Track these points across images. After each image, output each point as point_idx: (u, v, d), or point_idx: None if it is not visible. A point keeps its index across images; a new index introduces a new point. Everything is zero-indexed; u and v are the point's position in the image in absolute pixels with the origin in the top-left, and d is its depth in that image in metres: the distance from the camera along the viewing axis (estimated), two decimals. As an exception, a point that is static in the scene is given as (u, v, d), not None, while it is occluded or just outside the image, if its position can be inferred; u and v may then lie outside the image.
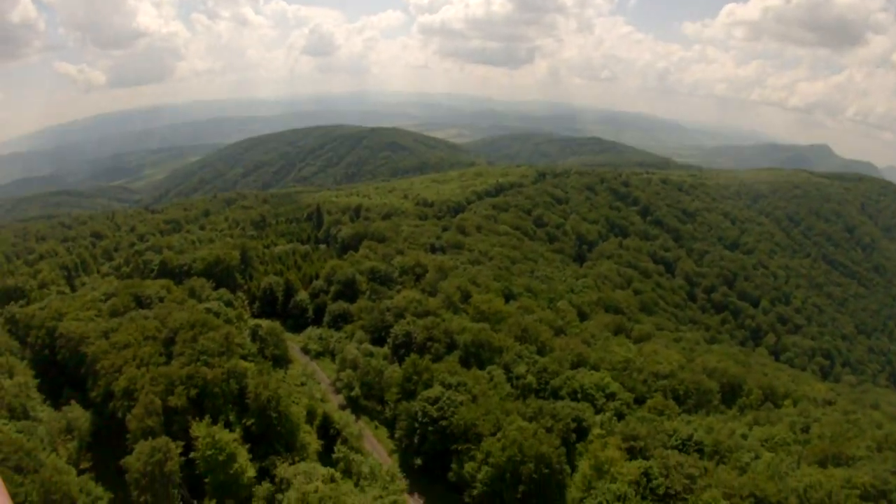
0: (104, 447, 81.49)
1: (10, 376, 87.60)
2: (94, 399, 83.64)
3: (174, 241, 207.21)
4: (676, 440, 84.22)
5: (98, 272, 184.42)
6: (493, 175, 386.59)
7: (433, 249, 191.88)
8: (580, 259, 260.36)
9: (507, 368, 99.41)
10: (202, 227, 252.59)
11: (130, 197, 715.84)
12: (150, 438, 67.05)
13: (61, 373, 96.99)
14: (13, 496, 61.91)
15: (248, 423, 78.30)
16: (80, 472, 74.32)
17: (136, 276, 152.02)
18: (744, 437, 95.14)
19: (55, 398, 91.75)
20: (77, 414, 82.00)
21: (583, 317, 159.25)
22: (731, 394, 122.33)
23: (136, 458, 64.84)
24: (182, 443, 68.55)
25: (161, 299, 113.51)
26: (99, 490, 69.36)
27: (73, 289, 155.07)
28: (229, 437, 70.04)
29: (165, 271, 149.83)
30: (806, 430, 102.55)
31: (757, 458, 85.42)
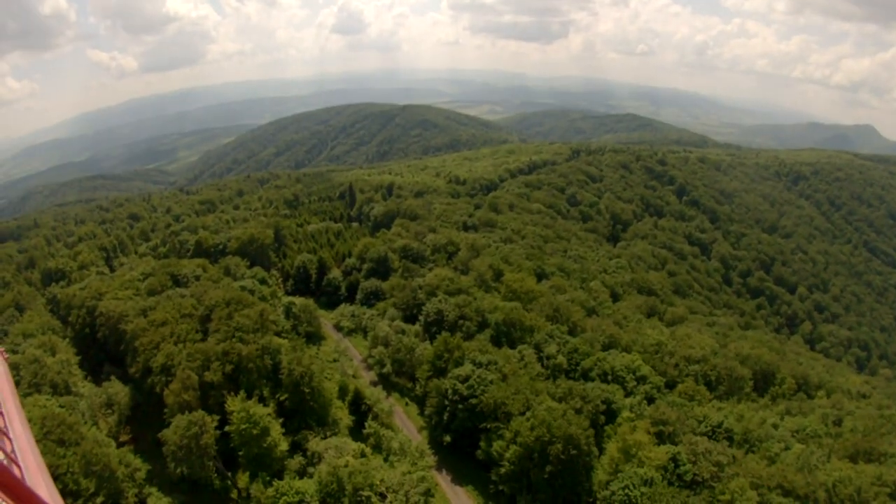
0: (143, 421, 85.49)
1: (53, 354, 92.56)
2: (133, 375, 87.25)
3: (209, 221, 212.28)
4: (706, 427, 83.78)
5: (136, 252, 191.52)
6: (527, 153, 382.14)
7: (465, 227, 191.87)
8: (614, 239, 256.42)
9: (537, 348, 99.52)
10: (236, 207, 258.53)
11: (165, 179, 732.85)
12: (186, 412, 69.80)
13: (101, 350, 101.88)
14: (55, 468, 65.34)
15: (282, 398, 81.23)
16: (120, 445, 78.86)
17: (172, 255, 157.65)
18: (774, 426, 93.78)
19: (96, 374, 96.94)
20: (117, 389, 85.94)
21: (615, 298, 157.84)
22: (763, 382, 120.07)
23: (174, 432, 67.65)
24: (217, 417, 71.38)
25: (197, 278, 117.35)
26: (137, 462, 73.50)
27: (112, 269, 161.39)
28: (263, 412, 72.56)
29: (201, 251, 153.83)
30: (838, 423, 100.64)
31: (787, 448, 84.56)
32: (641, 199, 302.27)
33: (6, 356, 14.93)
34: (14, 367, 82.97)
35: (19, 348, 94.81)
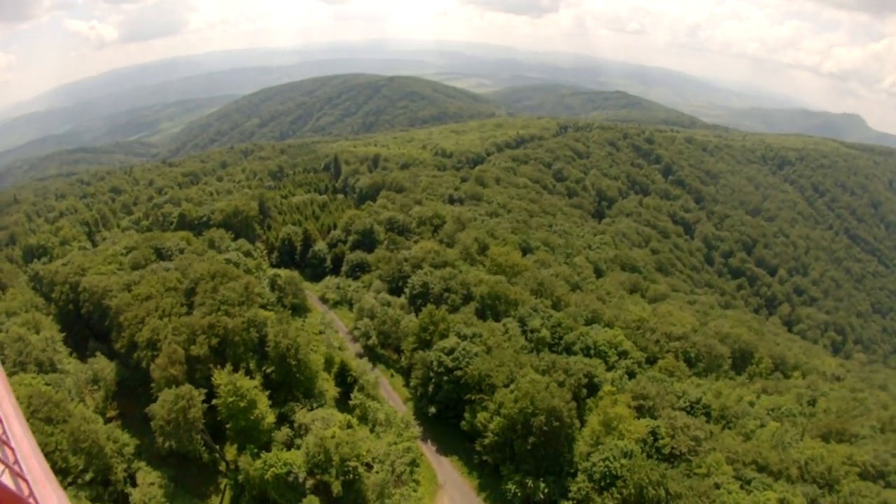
0: (129, 396, 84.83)
1: (37, 331, 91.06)
2: (118, 350, 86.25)
3: (192, 193, 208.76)
4: (685, 402, 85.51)
5: (118, 227, 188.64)
6: (514, 127, 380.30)
7: (451, 200, 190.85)
8: (599, 215, 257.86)
9: (522, 321, 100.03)
10: (220, 179, 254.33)
11: (147, 151, 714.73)
12: (173, 387, 69.07)
13: (86, 326, 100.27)
14: (44, 446, 64.69)
15: (268, 370, 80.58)
16: (107, 421, 78.28)
17: (155, 228, 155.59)
18: (751, 404, 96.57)
19: (81, 351, 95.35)
20: (103, 365, 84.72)
21: (599, 273, 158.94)
22: (741, 360, 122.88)
23: (161, 406, 66.86)
24: (204, 390, 70.60)
25: (181, 251, 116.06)
26: (125, 437, 72.70)
27: (95, 244, 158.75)
28: (250, 385, 72.01)
29: (184, 223, 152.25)
30: (812, 403, 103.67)
31: (762, 426, 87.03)
32: (627, 176, 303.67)
33: None
34: None
35: (2, 327, 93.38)
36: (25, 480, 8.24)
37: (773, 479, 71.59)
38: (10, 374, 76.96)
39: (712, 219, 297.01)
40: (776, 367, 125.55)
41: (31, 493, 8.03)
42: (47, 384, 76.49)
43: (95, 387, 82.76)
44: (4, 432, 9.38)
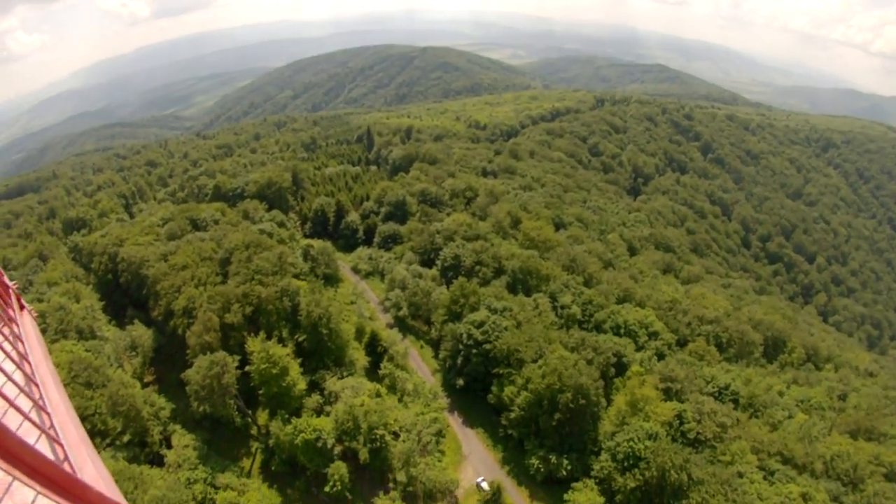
0: (166, 362, 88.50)
1: (77, 300, 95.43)
2: (155, 318, 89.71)
3: (226, 165, 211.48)
4: (713, 387, 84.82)
5: (154, 199, 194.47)
6: (549, 99, 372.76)
7: (485, 173, 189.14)
8: (634, 192, 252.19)
9: (552, 297, 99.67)
10: (253, 151, 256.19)
11: (182, 125, 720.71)
12: (208, 353, 71.87)
13: (124, 295, 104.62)
14: (84, 409, 68.53)
15: (300, 338, 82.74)
16: (144, 386, 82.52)
17: (190, 200, 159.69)
18: (780, 394, 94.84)
19: (119, 318, 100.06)
20: (140, 332, 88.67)
21: (632, 252, 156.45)
22: (773, 349, 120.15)
23: (196, 372, 69.80)
24: (238, 357, 73.28)
25: (216, 222, 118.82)
26: (161, 401, 76.71)
27: (132, 216, 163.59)
28: (282, 352, 74.33)
29: (219, 195, 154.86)
30: (843, 397, 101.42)
31: (790, 417, 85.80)
32: (665, 153, 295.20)
33: (35, 314, 13.95)
34: (41, 316, 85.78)
35: (44, 297, 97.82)
36: (61, 445, 8.31)
37: (796, 473, 71.14)
38: (51, 342, 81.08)
39: (751, 200, 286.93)
40: (808, 357, 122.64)
41: (67, 458, 8.11)
42: (87, 350, 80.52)
43: (133, 353, 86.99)
44: (41, 397, 9.47)
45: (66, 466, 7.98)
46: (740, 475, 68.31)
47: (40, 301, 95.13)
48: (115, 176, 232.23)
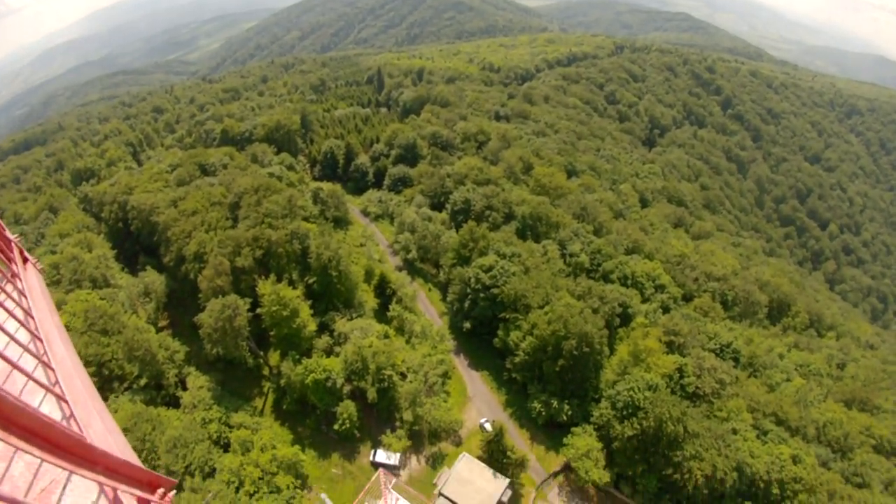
0: (179, 307, 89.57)
1: (90, 250, 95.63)
2: (167, 264, 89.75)
3: (234, 108, 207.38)
4: (715, 344, 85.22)
5: (162, 145, 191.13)
6: (567, 43, 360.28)
7: (497, 117, 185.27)
8: (649, 143, 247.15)
9: (561, 245, 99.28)
10: (261, 94, 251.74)
11: (187, 69, 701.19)
12: (220, 297, 72.39)
13: (135, 242, 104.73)
14: (101, 355, 70.17)
15: (310, 281, 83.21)
16: (159, 330, 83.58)
17: (198, 145, 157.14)
18: (780, 356, 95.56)
19: (132, 266, 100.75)
20: (153, 278, 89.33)
21: (644, 203, 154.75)
22: (778, 311, 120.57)
23: (208, 315, 70.47)
24: (249, 300, 73.88)
25: (224, 166, 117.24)
26: (176, 345, 77.89)
27: (140, 163, 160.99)
28: (292, 294, 74.94)
29: (227, 139, 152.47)
30: (842, 366, 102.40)
31: (788, 380, 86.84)
32: (683, 105, 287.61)
33: (40, 266, 13.11)
34: (54, 267, 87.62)
35: (57, 248, 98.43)
36: (66, 401, 7.72)
37: (789, 435, 72.45)
38: (66, 292, 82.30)
39: (768, 160, 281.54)
40: (811, 323, 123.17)
41: (73, 415, 7.64)
42: (102, 299, 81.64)
43: (147, 299, 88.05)
44: (45, 353, 8.83)
45: (72, 423, 7.62)
46: (734, 432, 69.65)
47: (53, 253, 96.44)
48: (121, 124, 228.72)
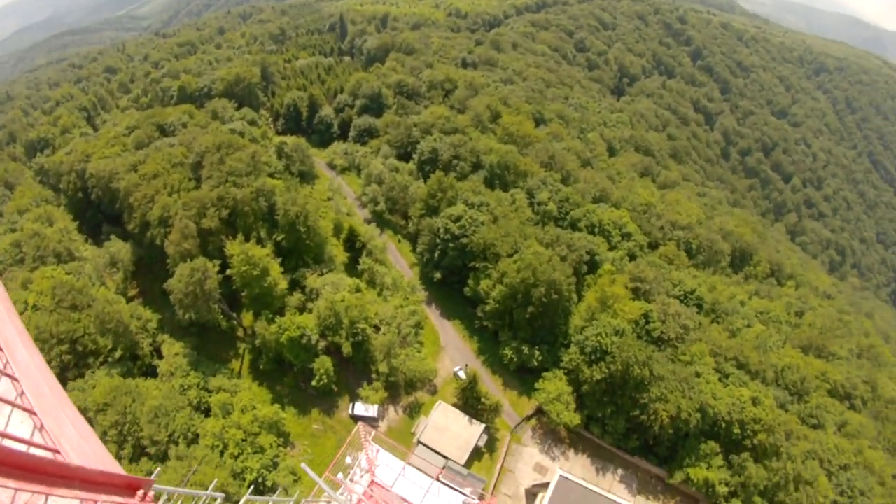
0: (147, 274, 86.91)
1: (51, 224, 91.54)
2: (131, 231, 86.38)
3: (190, 64, 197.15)
4: (680, 291, 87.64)
5: (117, 107, 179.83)
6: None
7: (464, 64, 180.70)
8: (618, 92, 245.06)
9: (530, 193, 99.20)
10: (218, 47, 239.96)
11: (139, 24, 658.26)
12: (188, 260, 70.37)
13: (97, 211, 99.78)
14: (72, 332, 68.22)
15: (279, 238, 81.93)
16: (129, 300, 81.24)
17: (156, 105, 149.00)
18: (742, 304, 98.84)
19: (96, 236, 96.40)
20: (118, 247, 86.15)
21: (612, 152, 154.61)
22: (740, 260, 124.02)
23: (178, 280, 68.72)
24: (218, 262, 72.34)
25: (184, 125, 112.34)
26: (148, 313, 76.31)
27: (96, 128, 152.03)
28: (262, 253, 73.68)
29: (185, 96, 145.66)
30: (800, 314, 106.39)
31: (749, 326, 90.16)
32: (653, 55, 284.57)
33: None
34: (15, 245, 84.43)
35: (17, 225, 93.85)
36: (35, 413, 7.24)
37: (749, 378, 75.67)
38: (31, 270, 79.64)
39: (736, 113, 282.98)
40: (772, 272, 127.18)
41: (43, 426, 7.22)
42: (68, 273, 79.13)
43: (114, 269, 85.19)
44: (8, 363, 8.20)
45: (44, 435, 7.22)
46: (697, 375, 72.32)
47: (13, 231, 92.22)
48: (72, 88, 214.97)
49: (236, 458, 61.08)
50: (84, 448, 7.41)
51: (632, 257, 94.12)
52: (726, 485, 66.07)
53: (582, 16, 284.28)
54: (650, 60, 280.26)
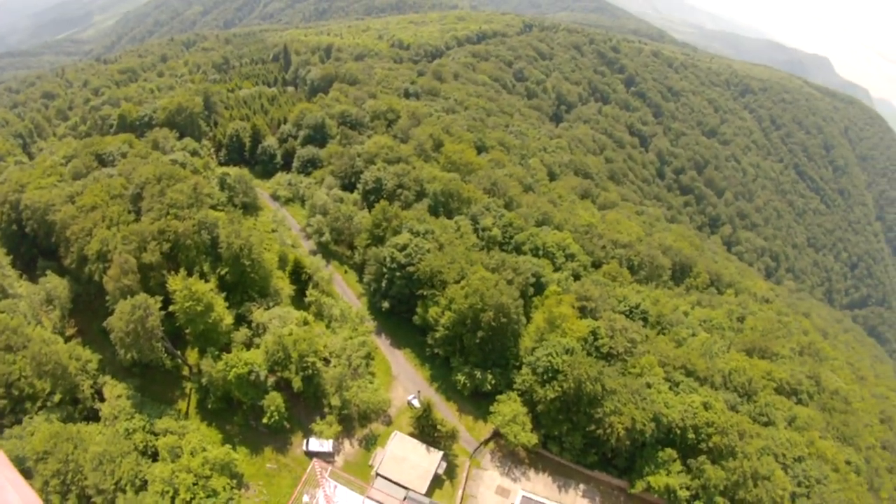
0: (86, 312, 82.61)
1: None
2: (68, 266, 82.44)
3: (132, 91, 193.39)
4: (625, 306, 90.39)
5: (54, 135, 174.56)
6: (477, 21, 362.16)
7: (407, 95, 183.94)
8: (557, 119, 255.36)
9: (474, 220, 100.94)
10: (160, 75, 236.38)
11: (80, 49, 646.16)
12: (128, 297, 67.42)
13: (32, 245, 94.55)
14: (7, 375, 63.87)
15: (223, 272, 79.68)
16: (67, 339, 76.59)
17: (94, 133, 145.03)
18: (685, 314, 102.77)
19: (31, 271, 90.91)
20: (55, 283, 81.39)
21: (552, 177, 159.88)
22: (680, 273, 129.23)
23: (118, 318, 65.53)
24: (160, 298, 69.42)
25: (124, 155, 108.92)
26: (87, 353, 72.02)
27: (31, 156, 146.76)
28: (205, 288, 71.48)
29: (125, 125, 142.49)
30: (741, 319, 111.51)
31: (694, 335, 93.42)
32: (589, 83, 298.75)
33: None
34: None
35: None
36: None
37: (699, 384, 78.41)
38: None
39: (668, 135, 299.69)
40: (712, 282, 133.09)
41: None
42: (1, 311, 73.75)
43: (50, 307, 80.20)
44: None
45: None
46: (649, 386, 74.34)
47: None
48: (7, 114, 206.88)
49: (188, 503, 58.61)
50: None
51: (576, 277, 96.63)
52: (687, 489, 67.70)
53: (520, 46, 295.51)
54: (586, 88, 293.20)
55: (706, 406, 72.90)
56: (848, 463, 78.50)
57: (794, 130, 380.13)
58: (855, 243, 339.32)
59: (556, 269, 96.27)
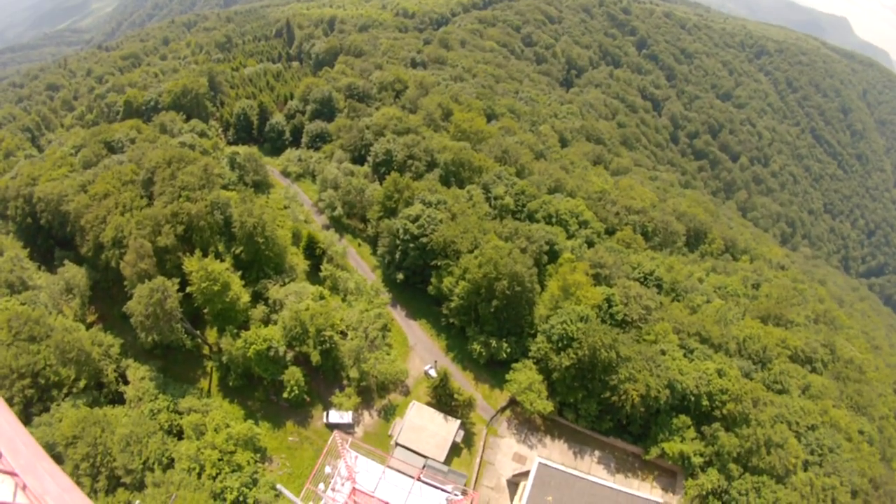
0: (105, 298, 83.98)
1: (1, 253, 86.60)
2: (85, 254, 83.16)
3: (135, 77, 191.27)
4: (639, 273, 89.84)
5: (62, 126, 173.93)
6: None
7: (413, 64, 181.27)
8: (567, 84, 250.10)
9: (486, 188, 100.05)
10: (163, 58, 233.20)
11: (80, 38, 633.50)
12: (146, 281, 68.01)
13: (48, 236, 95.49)
14: (32, 364, 64.91)
15: (237, 251, 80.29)
16: (89, 327, 77.72)
17: (101, 121, 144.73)
18: (700, 281, 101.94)
19: (48, 263, 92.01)
20: (73, 273, 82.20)
21: (564, 143, 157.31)
22: (695, 239, 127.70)
23: (137, 302, 66.37)
24: (177, 280, 70.00)
25: (132, 141, 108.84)
26: (109, 338, 72.98)
27: (41, 149, 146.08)
28: (221, 267, 72.03)
29: (131, 111, 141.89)
30: (756, 286, 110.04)
31: (708, 302, 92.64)
32: (599, 46, 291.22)
33: None
34: None
35: None
36: (16, 475, 7.30)
37: (713, 351, 77.99)
38: None
39: (682, 98, 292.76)
40: (727, 248, 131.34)
41: (25, 486, 7.37)
42: (23, 304, 74.99)
43: (70, 296, 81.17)
44: None
45: (27, 494, 7.25)
46: (663, 353, 74.15)
47: None
48: (14, 109, 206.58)
49: (214, 478, 59.71)
50: (66, 500, 7.39)
51: (590, 244, 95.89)
52: (701, 455, 68.13)
53: (528, 11, 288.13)
54: (597, 52, 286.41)
55: (720, 373, 72.80)
56: (861, 432, 78.02)
57: (810, 93, 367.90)
58: (872, 210, 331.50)
59: (570, 237, 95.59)
